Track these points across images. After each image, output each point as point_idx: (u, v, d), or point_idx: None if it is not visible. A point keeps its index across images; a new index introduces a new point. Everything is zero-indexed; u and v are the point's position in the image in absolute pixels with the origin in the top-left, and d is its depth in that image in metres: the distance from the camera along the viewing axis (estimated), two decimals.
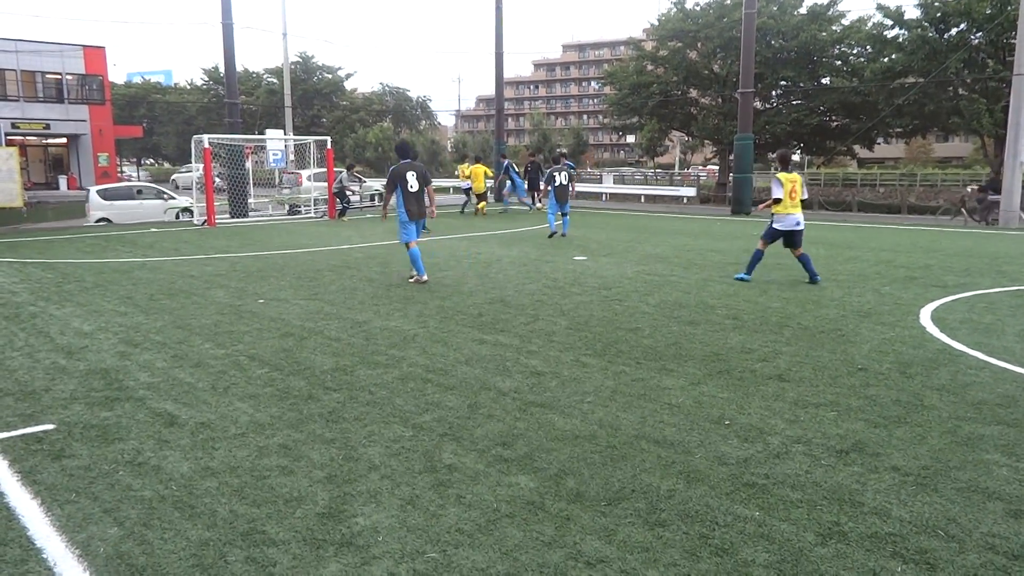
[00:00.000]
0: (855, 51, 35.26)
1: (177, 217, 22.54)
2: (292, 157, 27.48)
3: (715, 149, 41.46)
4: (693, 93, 38.92)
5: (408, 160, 9.87)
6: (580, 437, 4.39)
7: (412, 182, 9.74)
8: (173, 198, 23.92)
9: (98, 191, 22.90)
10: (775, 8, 34.21)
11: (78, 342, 6.72)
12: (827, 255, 12.53)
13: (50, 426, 4.62)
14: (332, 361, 6.05)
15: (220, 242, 15.18)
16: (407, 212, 9.74)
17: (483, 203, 22.67)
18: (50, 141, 44.63)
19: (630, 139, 69.19)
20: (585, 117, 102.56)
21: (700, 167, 66.16)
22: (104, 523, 3.39)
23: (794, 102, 36.38)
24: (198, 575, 2.98)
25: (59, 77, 42.41)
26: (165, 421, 4.69)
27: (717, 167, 45.53)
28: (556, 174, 15.25)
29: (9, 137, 37.71)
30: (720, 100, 37.05)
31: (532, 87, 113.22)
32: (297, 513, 3.47)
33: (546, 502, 3.57)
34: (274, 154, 25.83)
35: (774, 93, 37.41)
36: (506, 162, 24.56)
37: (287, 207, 24.43)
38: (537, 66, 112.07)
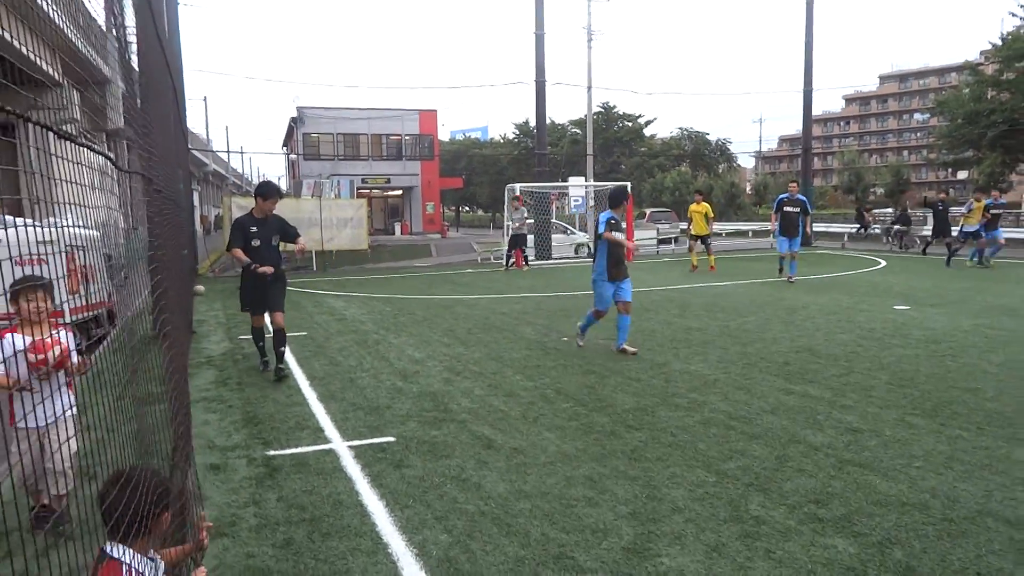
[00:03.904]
0: None
1: (576, 252, 24.97)
2: (592, 203, 28.69)
3: None
4: None
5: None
6: (908, 505, 3.94)
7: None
8: (575, 233, 26.51)
9: None
10: None
11: (411, 367, 7.64)
12: None
13: (391, 439, 5.31)
14: (633, 400, 6.15)
15: (526, 282, 16.29)
16: (608, 272, 8.25)
17: (712, 256, 18.06)
18: (389, 193, 51.91)
19: (961, 175, 61.12)
20: (906, 153, 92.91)
21: None
22: (436, 529, 3.80)
23: None
24: None
25: (399, 138, 49.42)
26: (484, 443, 5.14)
27: None
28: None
29: (359, 190, 44.52)
30: None
31: (843, 123, 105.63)
32: (603, 544, 3.58)
33: (868, 570, 3.26)
34: (575, 200, 27.24)
35: None
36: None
37: (575, 248, 25.53)
38: (848, 100, 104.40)
